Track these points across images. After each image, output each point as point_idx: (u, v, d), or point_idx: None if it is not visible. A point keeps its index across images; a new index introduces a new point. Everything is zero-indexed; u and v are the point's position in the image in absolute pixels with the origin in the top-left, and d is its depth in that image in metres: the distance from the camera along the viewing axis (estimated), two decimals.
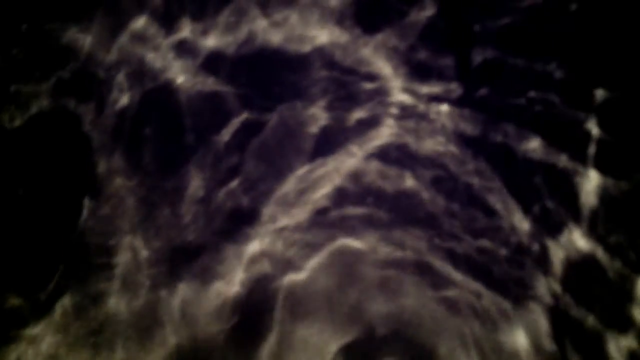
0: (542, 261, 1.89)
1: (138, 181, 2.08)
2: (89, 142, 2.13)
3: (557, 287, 1.86)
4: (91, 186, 2.08)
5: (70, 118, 2.13)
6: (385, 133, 2.07)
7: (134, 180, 2.08)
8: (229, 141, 2.12)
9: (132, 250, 2.01)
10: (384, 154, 2.06)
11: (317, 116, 2.11)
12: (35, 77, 2.16)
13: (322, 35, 2.20)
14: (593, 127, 1.97)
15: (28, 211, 2.04)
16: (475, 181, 1.99)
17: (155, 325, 1.93)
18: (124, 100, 2.16)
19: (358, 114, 2.11)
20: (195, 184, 2.06)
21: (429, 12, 2.16)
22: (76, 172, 2.10)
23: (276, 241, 1.99)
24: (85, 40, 2.23)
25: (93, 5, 2.25)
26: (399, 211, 2.00)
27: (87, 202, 2.07)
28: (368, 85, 2.13)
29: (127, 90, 2.17)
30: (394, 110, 2.09)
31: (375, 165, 2.05)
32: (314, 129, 2.10)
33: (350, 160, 2.06)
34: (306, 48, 2.19)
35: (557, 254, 1.88)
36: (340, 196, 2.02)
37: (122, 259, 2.00)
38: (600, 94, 1.98)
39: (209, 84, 2.17)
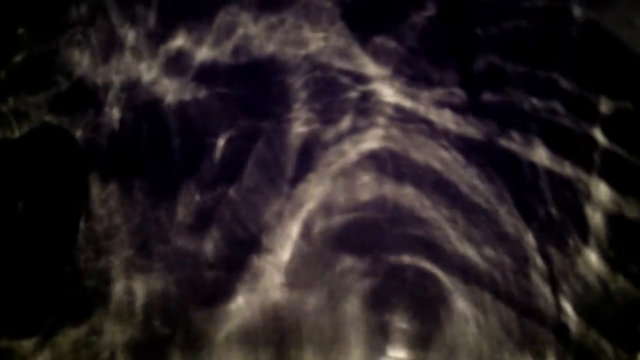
0: (548, 273, 1.84)
1: (131, 209, 2.01)
2: (84, 162, 2.06)
3: (566, 304, 1.80)
4: (86, 210, 2.01)
5: (66, 135, 2.08)
6: (380, 136, 2.02)
7: (127, 207, 2.01)
8: (219, 163, 2.04)
9: (128, 291, 1.94)
10: (381, 160, 2.00)
11: (312, 127, 2.03)
12: (32, 90, 2.11)
13: (317, 42, 2.12)
14: (599, 137, 1.91)
15: (24, 236, 1.98)
16: (480, 188, 1.91)
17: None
18: (117, 117, 2.11)
19: (352, 120, 2.05)
20: (185, 212, 2.00)
21: (429, 15, 2.11)
22: (71, 193, 2.03)
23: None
24: (82, 54, 2.16)
25: (89, 21, 2.19)
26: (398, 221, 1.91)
27: (82, 227, 1.99)
28: (364, 89, 2.07)
29: (121, 107, 2.12)
30: (393, 115, 2.04)
31: (371, 168, 1.99)
32: (304, 142, 2.02)
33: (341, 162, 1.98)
34: (300, 55, 2.12)
35: (563, 266, 1.83)
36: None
37: (117, 295, 1.94)
38: (607, 103, 1.93)
39: (200, 99, 2.11)
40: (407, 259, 1.89)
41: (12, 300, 1.91)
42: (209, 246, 1.96)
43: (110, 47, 2.17)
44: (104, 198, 2.01)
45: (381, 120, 2.03)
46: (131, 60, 2.16)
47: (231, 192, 2.00)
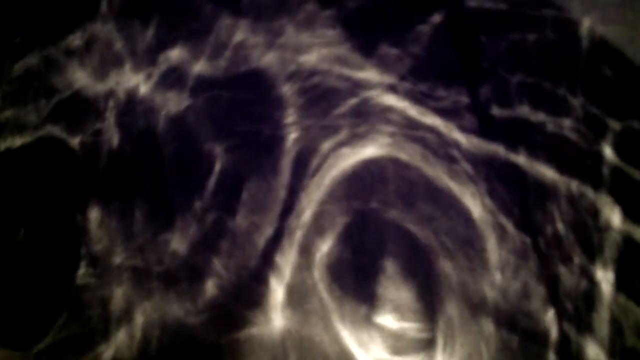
0: (553, 294, 1.79)
1: (131, 230, 1.96)
2: (83, 181, 2.01)
3: (569, 326, 1.76)
4: (86, 237, 1.96)
5: (64, 151, 2.05)
6: (382, 145, 1.99)
7: (127, 228, 1.96)
8: (218, 174, 2.01)
9: (128, 320, 1.90)
10: (382, 168, 1.98)
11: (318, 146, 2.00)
12: (30, 102, 2.07)
13: (318, 50, 2.09)
14: (607, 154, 1.88)
15: (26, 264, 1.93)
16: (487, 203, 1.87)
17: None
18: (115, 130, 2.07)
19: (352, 127, 2.02)
20: (184, 247, 1.96)
21: (436, 22, 2.09)
22: (71, 215, 1.98)
23: None
24: (81, 67, 2.13)
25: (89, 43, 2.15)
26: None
27: (83, 252, 1.94)
28: (365, 95, 2.05)
29: (118, 120, 2.08)
30: (397, 123, 2.02)
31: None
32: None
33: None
34: (299, 62, 2.09)
35: (569, 286, 1.79)
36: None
37: (118, 324, 1.90)
38: (615, 120, 1.90)
39: (197, 109, 2.07)
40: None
41: (13, 333, 1.87)
42: (212, 269, 1.92)
43: (109, 60, 2.13)
44: (102, 220, 1.96)
45: (383, 128, 2.00)
46: (130, 73, 2.13)
47: (233, 203, 1.97)
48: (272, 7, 2.16)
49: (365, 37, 2.10)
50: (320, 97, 2.05)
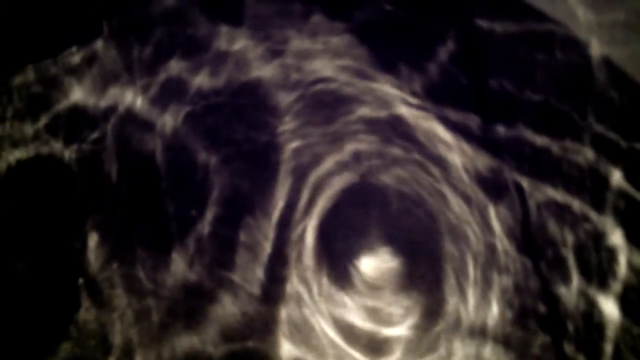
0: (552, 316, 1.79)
1: (129, 258, 1.92)
2: (81, 206, 1.96)
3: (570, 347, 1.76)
4: (85, 264, 1.92)
5: (61, 169, 2.00)
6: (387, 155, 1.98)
7: (125, 256, 1.92)
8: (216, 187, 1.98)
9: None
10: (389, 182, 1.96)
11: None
12: (28, 117, 2.03)
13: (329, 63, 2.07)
14: (613, 176, 1.86)
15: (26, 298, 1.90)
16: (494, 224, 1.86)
17: None
18: (113, 154, 2.02)
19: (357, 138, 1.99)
20: (184, 272, 1.93)
21: (444, 36, 2.06)
22: (69, 242, 1.94)
23: None
24: (80, 83, 2.08)
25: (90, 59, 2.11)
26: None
27: (81, 282, 1.91)
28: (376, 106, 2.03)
29: (117, 137, 2.04)
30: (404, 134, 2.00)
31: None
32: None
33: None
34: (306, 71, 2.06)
35: (569, 308, 1.79)
36: None
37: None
38: (621, 141, 1.89)
39: (195, 124, 2.04)
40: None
41: None
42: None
43: (109, 76, 2.09)
44: (101, 248, 1.93)
45: (390, 149, 1.99)
46: (128, 89, 2.09)
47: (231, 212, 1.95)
48: (274, 17, 2.14)
49: (372, 47, 2.08)
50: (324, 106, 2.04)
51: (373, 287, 1.88)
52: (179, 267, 1.89)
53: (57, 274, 1.90)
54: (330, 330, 1.84)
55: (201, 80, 2.07)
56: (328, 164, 2.00)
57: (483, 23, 2.01)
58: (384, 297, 1.87)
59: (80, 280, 1.88)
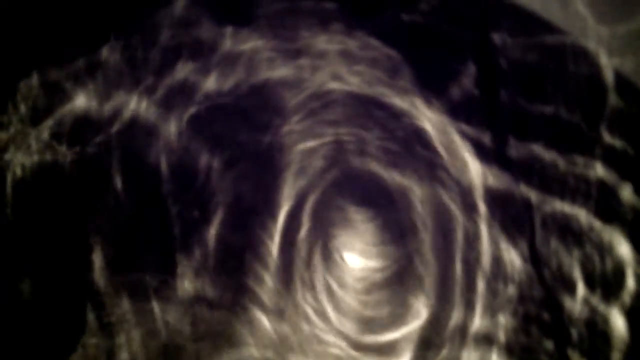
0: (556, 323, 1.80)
1: (135, 277, 1.91)
2: (85, 223, 1.94)
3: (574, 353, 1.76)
4: (92, 294, 1.90)
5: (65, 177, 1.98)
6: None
7: (132, 276, 1.92)
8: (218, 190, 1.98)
9: None
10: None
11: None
12: (33, 123, 2.01)
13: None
14: (623, 191, 1.86)
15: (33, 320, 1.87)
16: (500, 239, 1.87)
17: None
18: (118, 160, 2.02)
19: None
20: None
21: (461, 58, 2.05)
22: (75, 262, 1.91)
23: None
24: (85, 91, 2.05)
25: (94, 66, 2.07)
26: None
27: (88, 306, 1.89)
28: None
29: (121, 148, 2.02)
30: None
31: None
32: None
33: None
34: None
35: (573, 315, 1.80)
36: None
37: None
38: (630, 151, 1.88)
39: (200, 134, 2.03)
40: None
41: None
42: None
43: (113, 84, 2.08)
44: (106, 267, 1.92)
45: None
46: (132, 96, 2.07)
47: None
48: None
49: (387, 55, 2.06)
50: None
51: None
52: (186, 281, 1.89)
53: (62, 292, 1.90)
54: None
55: (210, 82, 2.06)
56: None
57: (497, 35, 2.00)
58: None
59: (86, 301, 1.88)
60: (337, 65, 2.04)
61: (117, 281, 1.90)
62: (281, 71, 2.05)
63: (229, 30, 2.08)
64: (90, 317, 1.86)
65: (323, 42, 2.05)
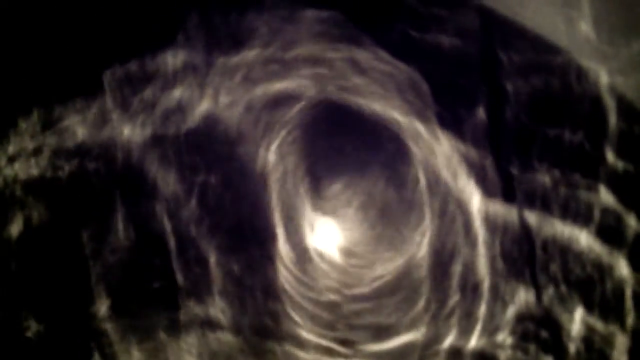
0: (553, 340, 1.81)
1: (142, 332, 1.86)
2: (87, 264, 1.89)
3: None
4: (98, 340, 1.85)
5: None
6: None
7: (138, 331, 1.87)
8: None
9: None
10: None
11: None
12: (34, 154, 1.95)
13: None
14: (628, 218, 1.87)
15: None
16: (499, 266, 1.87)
17: None
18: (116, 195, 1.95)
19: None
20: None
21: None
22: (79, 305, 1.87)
23: None
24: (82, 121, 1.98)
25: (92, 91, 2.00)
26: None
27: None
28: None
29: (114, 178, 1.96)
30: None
31: None
32: None
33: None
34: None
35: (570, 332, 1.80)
36: None
37: None
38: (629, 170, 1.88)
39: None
40: None
41: None
42: None
43: (105, 116, 2.01)
44: (111, 311, 1.87)
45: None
46: (124, 128, 2.01)
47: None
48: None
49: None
50: None
51: None
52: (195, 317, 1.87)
53: (69, 340, 1.87)
54: None
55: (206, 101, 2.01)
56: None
57: (504, 55, 1.97)
58: None
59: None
60: (341, 79, 2.01)
61: (123, 325, 1.87)
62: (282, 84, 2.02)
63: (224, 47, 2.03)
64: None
65: (330, 52, 2.02)
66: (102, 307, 1.86)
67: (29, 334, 1.81)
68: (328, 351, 1.82)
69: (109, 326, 1.85)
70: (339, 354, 1.85)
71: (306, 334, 1.86)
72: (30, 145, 1.92)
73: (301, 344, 1.81)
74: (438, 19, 1.96)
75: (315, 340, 1.82)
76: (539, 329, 1.84)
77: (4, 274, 1.84)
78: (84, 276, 1.88)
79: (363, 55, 1.99)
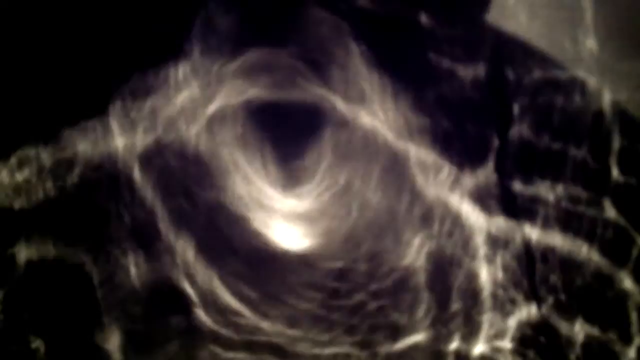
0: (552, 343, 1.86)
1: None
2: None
3: None
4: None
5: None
6: None
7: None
8: None
9: None
10: None
11: None
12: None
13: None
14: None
15: None
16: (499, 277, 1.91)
17: None
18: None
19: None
20: None
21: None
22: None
23: None
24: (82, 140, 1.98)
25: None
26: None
27: None
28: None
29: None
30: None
31: None
32: None
33: None
34: None
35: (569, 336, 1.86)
36: None
37: None
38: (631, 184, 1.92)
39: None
40: None
41: None
42: None
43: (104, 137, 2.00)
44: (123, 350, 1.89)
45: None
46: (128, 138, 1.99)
47: None
48: None
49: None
50: None
51: None
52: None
53: None
54: None
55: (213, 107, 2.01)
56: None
57: (510, 72, 2.00)
58: None
59: None
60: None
61: None
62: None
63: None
64: None
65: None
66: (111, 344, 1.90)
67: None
68: None
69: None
70: None
71: None
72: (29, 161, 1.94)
73: None
74: (450, 38, 2.00)
75: None
76: (538, 335, 1.87)
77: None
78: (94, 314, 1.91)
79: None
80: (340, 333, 1.90)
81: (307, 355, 1.87)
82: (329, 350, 1.87)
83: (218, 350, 1.85)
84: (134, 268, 1.91)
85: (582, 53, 1.96)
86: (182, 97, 1.95)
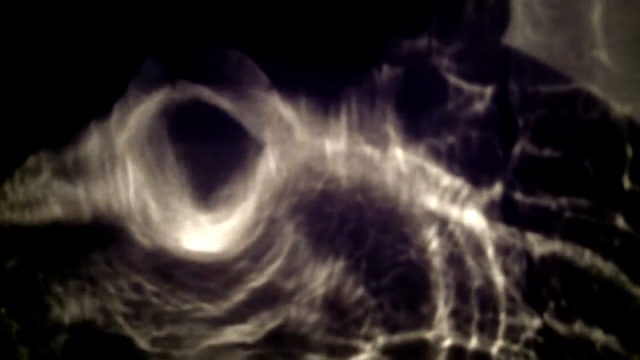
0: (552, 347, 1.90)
1: None
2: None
3: None
4: None
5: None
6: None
7: None
8: None
9: None
10: None
11: None
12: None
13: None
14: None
15: None
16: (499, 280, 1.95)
17: None
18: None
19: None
20: None
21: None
22: None
23: None
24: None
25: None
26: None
27: None
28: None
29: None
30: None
31: None
32: None
33: None
34: None
35: (570, 340, 1.90)
36: None
37: None
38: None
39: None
40: None
41: None
42: None
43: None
44: None
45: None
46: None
47: None
48: None
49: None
50: None
51: None
52: None
53: None
54: None
55: None
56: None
57: (515, 86, 2.01)
58: None
59: None
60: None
61: None
62: None
63: None
64: None
65: None
66: None
67: None
68: None
69: None
70: None
71: None
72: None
73: None
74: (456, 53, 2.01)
75: None
76: (538, 337, 1.91)
77: None
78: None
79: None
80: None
81: None
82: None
83: None
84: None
85: (588, 65, 1.95)
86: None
